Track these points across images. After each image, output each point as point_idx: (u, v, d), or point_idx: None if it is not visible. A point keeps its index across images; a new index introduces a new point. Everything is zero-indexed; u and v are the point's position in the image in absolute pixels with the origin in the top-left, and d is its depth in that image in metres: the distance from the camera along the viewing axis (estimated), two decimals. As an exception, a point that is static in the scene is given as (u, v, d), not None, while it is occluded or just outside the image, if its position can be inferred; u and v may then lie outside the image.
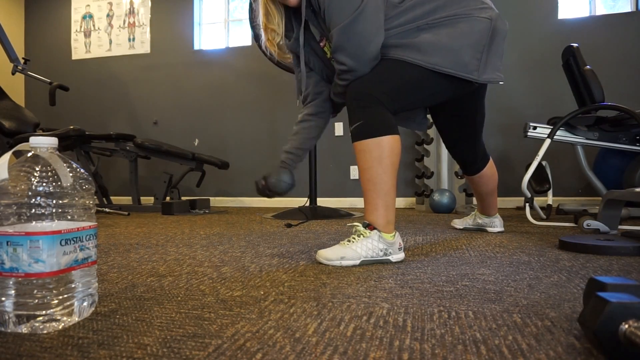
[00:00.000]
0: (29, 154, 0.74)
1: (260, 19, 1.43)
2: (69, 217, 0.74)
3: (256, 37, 2.80)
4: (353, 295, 0.91)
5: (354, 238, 1.28)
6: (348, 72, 1.34)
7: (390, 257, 1.28)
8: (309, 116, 1.55)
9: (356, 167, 4.04)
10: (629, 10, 3.60)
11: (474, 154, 1.71)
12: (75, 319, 0.74)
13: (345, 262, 1.23)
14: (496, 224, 1.94)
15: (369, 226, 1.29)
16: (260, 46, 1.63)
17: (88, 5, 4.75)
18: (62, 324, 0.72)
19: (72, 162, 0.78)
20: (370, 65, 1.34)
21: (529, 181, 2.39)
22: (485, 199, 1.88)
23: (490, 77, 1.36)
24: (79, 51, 4.77)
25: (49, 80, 3.56)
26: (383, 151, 1.28)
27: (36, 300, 0.69)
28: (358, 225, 1.31)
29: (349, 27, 1.27)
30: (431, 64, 1.30)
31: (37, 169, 0.72)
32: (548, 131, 2.47)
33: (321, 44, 1.50)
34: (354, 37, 1.28)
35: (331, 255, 1.24)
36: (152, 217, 2.94)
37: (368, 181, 1.30)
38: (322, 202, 3.96)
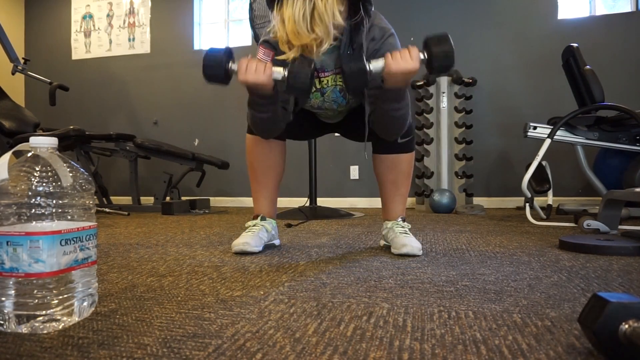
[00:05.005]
0: (29, 154, 0.74)
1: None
2: (69, 217, 0.74)
3: (256, 37, 2.80)
4: (353, 295, 0.91)
5: (407, 232, 1.47)
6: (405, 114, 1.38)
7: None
8: None
9: (356, 167, 4.05)
10: (629, 10, 3.60)
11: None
12: (75, 319, 0.74)
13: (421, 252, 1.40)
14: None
15: (405, 220, 1.54)
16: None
17: (88, 5, 4.75)
18: (62, 324, 0.72)
19: (72, 162, 0.78)
20: None
21: (529, 181, 2.39)
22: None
23: None
24: (79, 51, 4.77)
25: (49, 80, 3.55)
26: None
27: (36, 300, 0.69)
28: (400, 222, 1.52)
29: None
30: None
31: (37, 169, 0.72)
32: (548, 131, 2.47)
33: (322, 74, 1.42)
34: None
35: (415, 244, 1.37)
36: (152, 217, 2.94)
37: (408, 186, 1.56)
38: (322, 202, 3.96)
